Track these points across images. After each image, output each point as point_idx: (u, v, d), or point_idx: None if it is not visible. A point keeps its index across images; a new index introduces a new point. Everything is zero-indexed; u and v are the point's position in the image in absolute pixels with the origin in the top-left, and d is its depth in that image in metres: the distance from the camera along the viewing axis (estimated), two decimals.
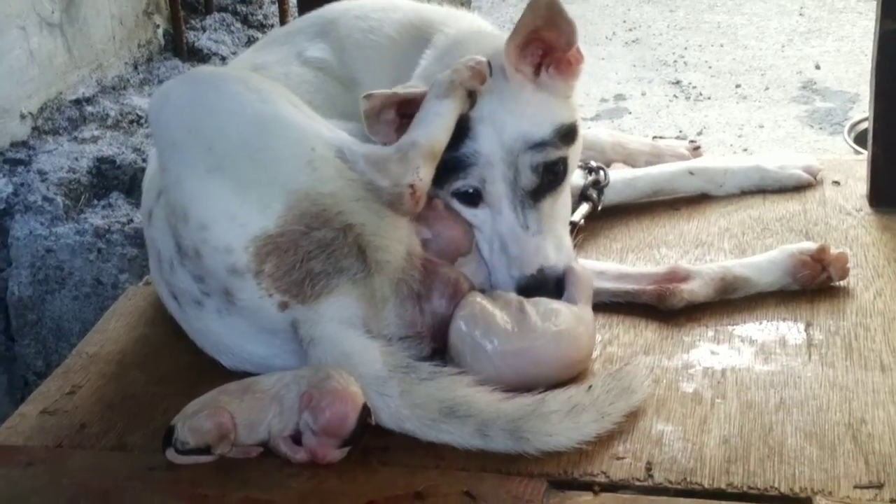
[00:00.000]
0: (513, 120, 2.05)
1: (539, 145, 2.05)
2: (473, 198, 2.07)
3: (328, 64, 2.29)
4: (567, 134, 2.09)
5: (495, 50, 2.08)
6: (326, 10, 2.44)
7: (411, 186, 1.93)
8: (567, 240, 2.11)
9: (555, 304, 1.95)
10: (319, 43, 2.32)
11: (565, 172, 2.11)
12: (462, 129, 2.03)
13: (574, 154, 2.13)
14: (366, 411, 1.76)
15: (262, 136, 1.90)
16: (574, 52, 2.09)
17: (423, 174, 1.95)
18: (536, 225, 2.06)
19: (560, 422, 1.78)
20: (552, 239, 2.07)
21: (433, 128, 1.98)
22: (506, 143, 2.04)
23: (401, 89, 2.05)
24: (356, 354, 1.85)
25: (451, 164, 2.04)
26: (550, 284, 2.03)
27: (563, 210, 2.14)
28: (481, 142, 2.04)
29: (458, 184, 2.06)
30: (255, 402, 1.81)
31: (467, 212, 2.08)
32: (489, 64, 2.02)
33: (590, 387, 1.84)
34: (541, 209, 2.07)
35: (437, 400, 1.80)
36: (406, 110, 2.03)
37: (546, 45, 2.07)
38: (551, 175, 2.07)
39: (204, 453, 1.78)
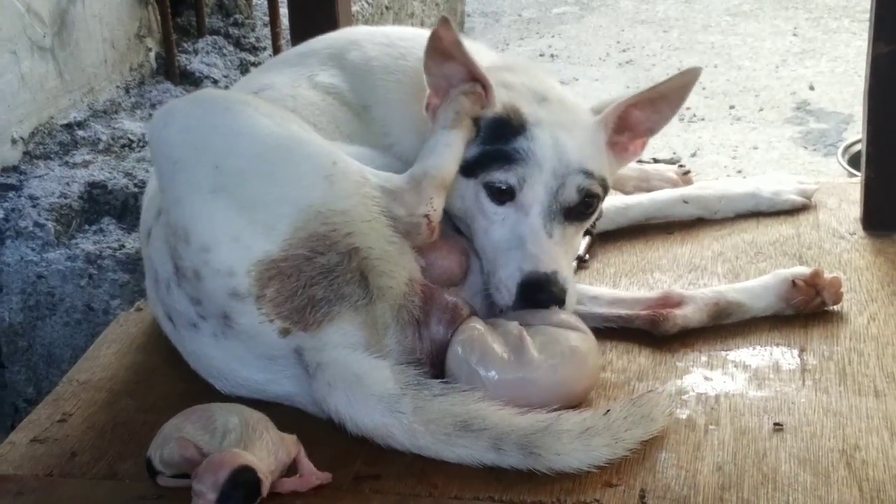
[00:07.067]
0: (574, 144, 2.08)
1: (588, 174, 2.07)
2: (503, 194, 2.06)
3: (338, 89, 2.26)
4: (604, 190, 2.14)
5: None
6: (343, 33, 2.44)
7: (427, 217, 1.95)
8: (571, 273, 2.11)
9: (559, 335, 1.94)
10: (332, 69, 2.29)
11: (594, 212, 2.14)
12: (513, 127, 2.06)
13: (600, 210, 2.19)
14: (245, 474, 1.66)
15: (279, 152, 1.89)
16: (642, 142, 2.18)
17: (437, 204, 1.97)
18: (559, 238, 2.07)
19: (570, 442, 1.77)
20: (567, 260, 2.09)
21: (443, 159, 2.01)
22: (562, 156, 2.06)
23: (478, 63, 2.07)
24: (366, 375, 1.83)
25: (494, 154, 2.05)
26: (556, 291, 2.02)
27: (575, 246, 2.17)
28: (537, 144, 2.05)
29: (498, 175, 2.05)
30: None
31: (489, 206, 2.07)
32: (484, 85, 2.05)
33: (607, 411, 1.82)
34: (565, 231, 2.08)
35: (451, 414, 1.79)
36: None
37: (631, 126, 2.16)
38: (587, 206, 2.10)
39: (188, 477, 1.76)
